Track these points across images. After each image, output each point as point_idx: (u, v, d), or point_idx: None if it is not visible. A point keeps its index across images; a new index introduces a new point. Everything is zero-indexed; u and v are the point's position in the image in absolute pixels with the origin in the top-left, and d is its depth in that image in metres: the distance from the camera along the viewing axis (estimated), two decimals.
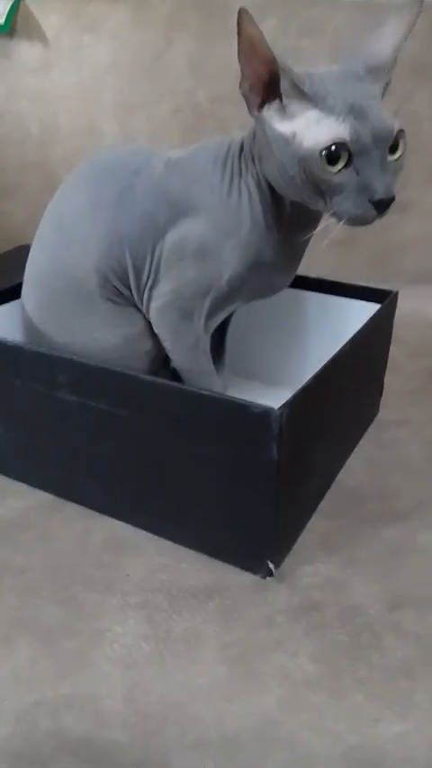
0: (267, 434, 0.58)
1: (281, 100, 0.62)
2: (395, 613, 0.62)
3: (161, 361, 0.82)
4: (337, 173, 0.61)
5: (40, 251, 0.81)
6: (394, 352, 0.94)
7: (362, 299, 0.91)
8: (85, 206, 0.76)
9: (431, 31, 1.38)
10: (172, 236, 0.73)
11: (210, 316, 0.77)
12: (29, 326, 0.82)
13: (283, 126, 0.63)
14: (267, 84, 0.62)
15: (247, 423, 0.59)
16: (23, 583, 0.67)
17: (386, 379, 0.96)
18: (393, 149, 0.62)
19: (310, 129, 0.61)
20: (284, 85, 0.61)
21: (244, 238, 0.71)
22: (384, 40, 0.64)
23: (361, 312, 0.84)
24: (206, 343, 0.79)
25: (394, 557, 0.69)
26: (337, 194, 0.62)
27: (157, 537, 0.72)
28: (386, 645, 0.59)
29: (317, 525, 0.74)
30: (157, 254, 0.74)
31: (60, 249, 0.78)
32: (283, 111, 0.63)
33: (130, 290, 0.76)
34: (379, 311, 0.82)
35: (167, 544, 0.71)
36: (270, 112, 0.63)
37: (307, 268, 0.84)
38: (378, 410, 0.97)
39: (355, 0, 1.49)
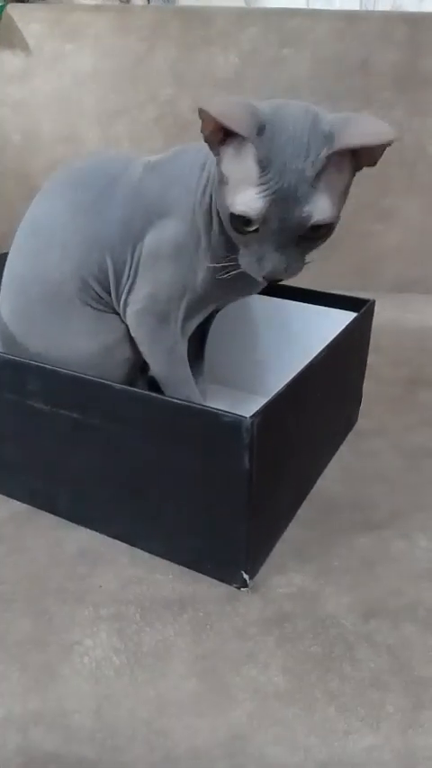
0: (239, 444, 0.58)
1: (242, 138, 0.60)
2: (368, 624, 0.62)
3: (139, 370, 0.81)
4: (246, 233, 0.62)
5: (17, 257, 0.80)
6: (374, 360, 0.94)
7: (340, 307, 0.90)
8: (63, 211, 0.76)
9: (411, 42, 1.40)
10: (149, 239, 0.73)
11: (186, 319, 0.76)
12: (4, 335, 0.81)
13: (228, 166, 0.63)
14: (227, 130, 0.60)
15: (219, 432, 0.59)
16: None
17: (365, 388, 0.95)
18: (316, 230, 0.61)
19: (238, 186, 0.61)
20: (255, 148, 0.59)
21: (215, 238, 0.71)
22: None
23: (339, 321, 0.84)
24: (183, 348, 0.78)
25: (368, 567, 0.69)
26: (241, 247, 0.65)
27: (131, 547, 0.71)
28: (359, 656, 0.58)
29: (293, 535, 0.73)
30: (136, 257, 0.74)
31: (38, 255, 0.77)
32: (238, 150, 0.61)
33: (110, 295, 0.76)
34: (355, 320, 0.82)
35: (142, 555, 0.70)
36: (227, 148, 0.62)
37: None
38: (357, 419, 0.97)
39: (335, 11, 1.50)
